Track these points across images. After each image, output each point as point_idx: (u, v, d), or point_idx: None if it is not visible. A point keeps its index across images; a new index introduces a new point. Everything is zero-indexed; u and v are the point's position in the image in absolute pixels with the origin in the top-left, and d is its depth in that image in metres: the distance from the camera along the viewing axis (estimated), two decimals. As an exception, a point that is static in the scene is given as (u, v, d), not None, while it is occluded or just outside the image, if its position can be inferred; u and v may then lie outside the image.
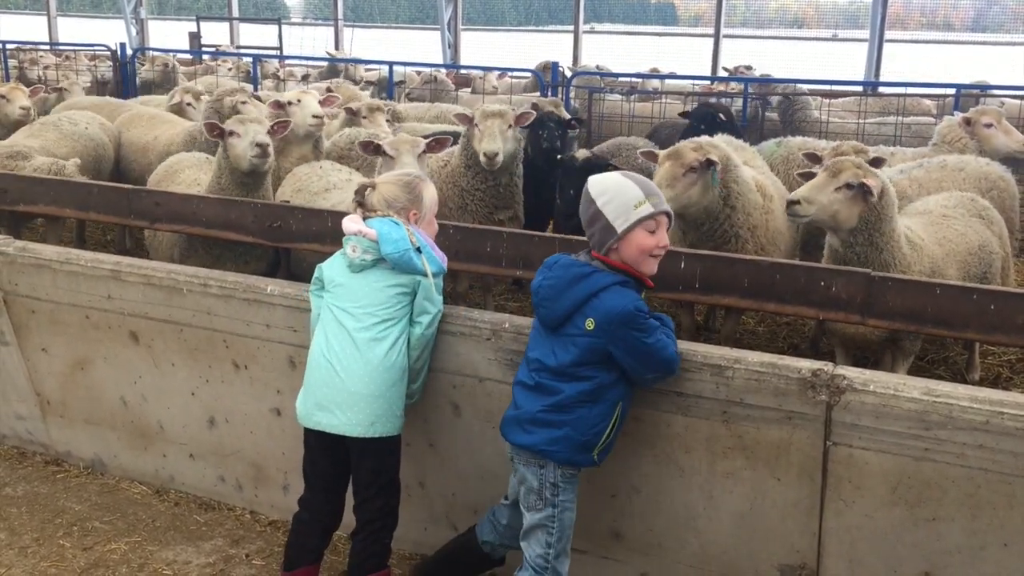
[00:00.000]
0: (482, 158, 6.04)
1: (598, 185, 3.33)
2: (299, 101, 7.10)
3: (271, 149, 5.65)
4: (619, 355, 3.20)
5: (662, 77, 13.75)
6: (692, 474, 3.51)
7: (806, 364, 3.26)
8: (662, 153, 5.30)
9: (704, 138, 5.69)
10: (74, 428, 4.92)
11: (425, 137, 6.00)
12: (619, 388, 3.28)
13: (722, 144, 5.52)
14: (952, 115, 7.87)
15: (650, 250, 3.28)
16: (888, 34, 16.81)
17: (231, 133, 5.64)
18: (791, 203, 4.77)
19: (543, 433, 3.25)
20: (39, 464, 5.02)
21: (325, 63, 16.26)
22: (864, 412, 3.15)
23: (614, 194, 3.26)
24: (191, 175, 6.40)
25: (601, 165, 5.81)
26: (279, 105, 7.19)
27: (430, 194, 3.72)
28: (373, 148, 5.65)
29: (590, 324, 3.19)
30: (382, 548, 3.66)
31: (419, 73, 13.27)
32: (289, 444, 4.27)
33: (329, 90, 9.49)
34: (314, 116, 6.96)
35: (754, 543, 3.50)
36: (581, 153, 6.33)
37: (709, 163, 5.13)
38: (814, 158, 5.97)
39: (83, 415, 4.86)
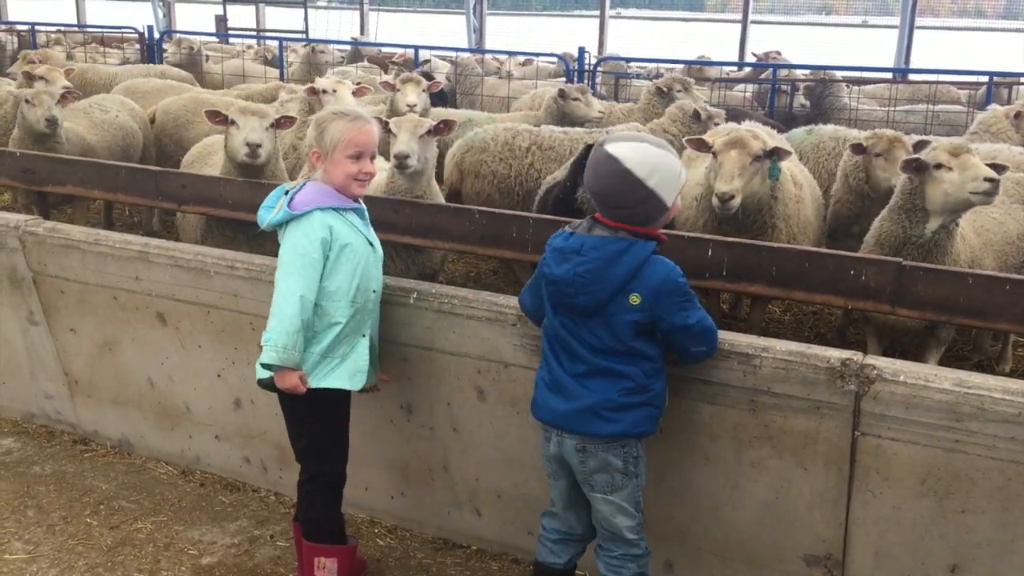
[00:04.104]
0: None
1: (643, 165, 3.07)
2: (334, 91, 7.14)
3: (262, 151, 5.47)
4: (666, 327, 3.11)
5: (689, 63, 13.63)
6: (717, 463, 3.49)
7: (835, 353, 3.23)
8: (720, 141, 5.12)
9: (732, 124, 5.63)
10: (102, 408, 4.97)
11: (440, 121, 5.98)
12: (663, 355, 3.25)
13: (762, 133, 5.44)
14: (986, 103, 7.78)
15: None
16: (918, 21, 16.58)
17: (232, 123, 5.56)
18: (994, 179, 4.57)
19: (628, 417, 3.14)
20: (67, 443, 5.07)
21: (350, 47, 16.25)
22: (894, 403, 3.12)
23: (664, 172, 3.09)
24: (222, 158, 6.41)
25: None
26: (314, 92, 7.28)
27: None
28: (384, 126, 5.60)
29: (635, 299, 3.06)
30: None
31: (455, 58, 13.16)
32: (314, 427, 4.28)
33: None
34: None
35: (779, 533, 3.48)
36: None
37: (774, 151, 5.08)
38: (859, 149, 5.77)
39: (110, 395, 4.90)
